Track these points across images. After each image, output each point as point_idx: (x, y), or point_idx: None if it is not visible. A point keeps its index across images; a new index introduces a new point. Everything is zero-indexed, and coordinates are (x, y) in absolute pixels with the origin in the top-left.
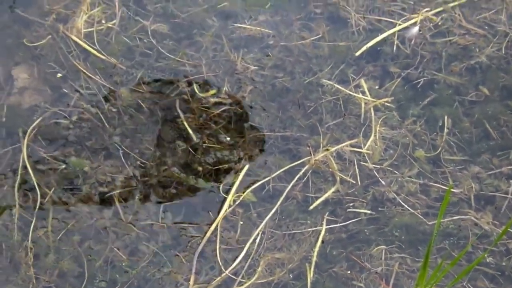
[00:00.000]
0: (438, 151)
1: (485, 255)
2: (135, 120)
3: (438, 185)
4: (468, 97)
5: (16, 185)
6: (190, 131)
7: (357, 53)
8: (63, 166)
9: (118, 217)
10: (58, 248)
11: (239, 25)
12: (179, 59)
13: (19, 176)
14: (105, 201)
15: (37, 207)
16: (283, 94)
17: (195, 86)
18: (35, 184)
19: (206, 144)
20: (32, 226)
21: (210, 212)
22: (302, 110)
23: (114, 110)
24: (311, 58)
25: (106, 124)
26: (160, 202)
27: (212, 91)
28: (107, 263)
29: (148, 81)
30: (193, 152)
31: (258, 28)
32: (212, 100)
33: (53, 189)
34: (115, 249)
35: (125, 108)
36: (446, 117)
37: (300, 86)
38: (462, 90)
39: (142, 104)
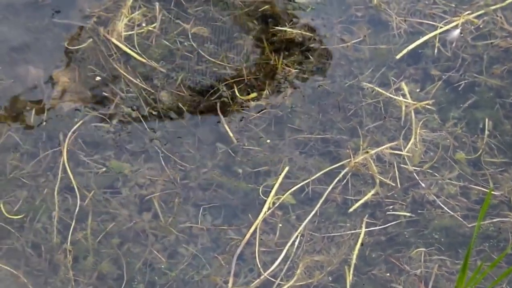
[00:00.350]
0: (479, 153)
1: None
2: (176, 123)
3: (479, 187)
4: (509, 100)
5: (56, 188)
6: (231, 134)
7: (398, 56)
8: (103, 169)
9: (158, 219)
10: (97, 250)
11: (280, 28)
12: (220, 62)
13: (59, 179)
14: (145, 203)
15: (77, 210)
16: (323, 97)
17: (236, 89)
18: (75, 187)
19: (246, 147)
20: (71, 229)
21: (249, 215)
22: (342, 113)
23: (154, 113)
24: (352, 61)
25: (146, 127)
26: (199, 205)
27: (253, 95)
28: (146, 266)
29: (188, 84)
30: (233, 155)
31: (299, 31)
32: (253, 103)
33: (92, 192)
34: (154, 251)
35: (165, 111)
36: (487, 120)
37: (340, 89)
38: (504, 92)
39: (182, 107)
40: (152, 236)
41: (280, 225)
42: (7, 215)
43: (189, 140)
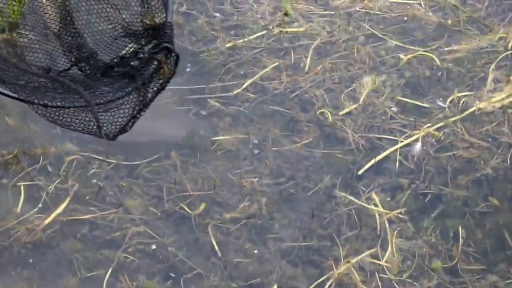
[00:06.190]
0: (455, 261)
1: None
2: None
3: None
4: (478, 209)
5: None
6: (216, 247)
7: (360, 172)
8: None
9: None
10: None
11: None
12: None
13: None
14: None
15: None
16: (293, 202)
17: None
18: None
19: (235, 260)
20: None
21: None
22: (317, 221)
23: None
24: (308, 166)
25: None
26: None
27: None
28: None
29: None
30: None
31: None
32: (228, 215)
33: None
34: None
35: None
36: (460, 228)
37: (307, 196)
38: (471, 202)
39: None
40: None
41: None
42: None
43: None
